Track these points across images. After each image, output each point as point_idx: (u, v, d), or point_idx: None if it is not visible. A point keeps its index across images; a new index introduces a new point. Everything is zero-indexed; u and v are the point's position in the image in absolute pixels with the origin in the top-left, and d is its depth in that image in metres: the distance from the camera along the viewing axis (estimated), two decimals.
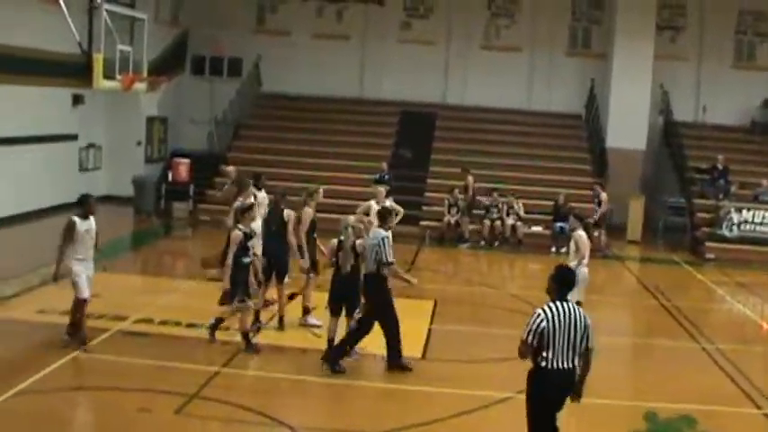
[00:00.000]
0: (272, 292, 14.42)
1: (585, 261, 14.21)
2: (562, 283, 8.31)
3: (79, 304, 12.41)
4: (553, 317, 8.08)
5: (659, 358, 14.72)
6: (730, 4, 31.28)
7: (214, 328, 13.12)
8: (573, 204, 24.25)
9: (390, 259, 12.21)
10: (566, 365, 8.11)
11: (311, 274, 14.22)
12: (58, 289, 12.86)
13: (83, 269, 12.30)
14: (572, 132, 30.64)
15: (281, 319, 14.21)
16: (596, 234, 21.89)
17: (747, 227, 25.24)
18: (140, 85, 21.75)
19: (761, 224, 25.19)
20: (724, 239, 25.18)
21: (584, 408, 11.17)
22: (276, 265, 14.03)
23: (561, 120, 30.99)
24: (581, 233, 14.31)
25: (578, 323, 8.14)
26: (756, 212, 25.31)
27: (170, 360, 12.27)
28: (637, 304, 19.57)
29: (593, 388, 11.93)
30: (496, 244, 24.84)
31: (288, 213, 14.27)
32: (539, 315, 8.11)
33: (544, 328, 8.05)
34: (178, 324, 14.14)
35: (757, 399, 12.25)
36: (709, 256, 24.65)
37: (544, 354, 8.08)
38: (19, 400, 10.36)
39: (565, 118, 31.05)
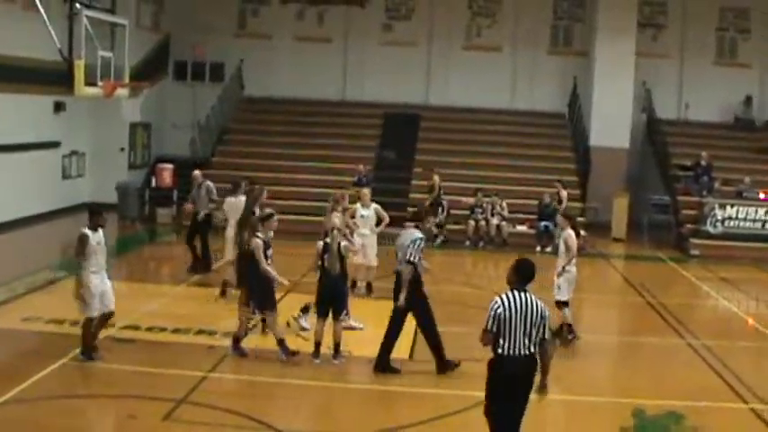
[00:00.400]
0: None
1: (574, 260, 14.24)
2: (522, 274, 8.48)
3: (86, 323, 12.17)
4: (509, 304, 8.28)
5: (645, 355, 14.77)
6: (711, 1, 31.35)
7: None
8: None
9: (411, 259, 12.34)
10: (522, 352, 8.27)
11: None
12: (45, 297, 12.79)
13: (99, 283, 12.09)
14: (555, 131, 30.66)
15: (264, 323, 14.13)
16: (583, 233, 21.90)
17: (731, 223, 25.33)
18: (122, 91, 21.59)
19: (744, 220, 25.30)
20: (708, 236, 25.25)
21: (572, 405, 11.25)
22: None
23: (544, 119, 31.01)
24: (570, 232, 14.31)
25: (534, 312, 8.30)
26: (740, 208, 25.40)
27: (157, 366, 12.26)
28: (622, 301, 19.63)
29: (580, 385, 12.00)
30: (481, 244, 24.87)
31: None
32: (496, 302, 8.33)
33: (501, 314, 8.24)
34: (164, 330, 14.12)
35: (744, 394, 12.29)
36: (694, 252, 24.74)
37: (501, 341, 8.27)
38: (5, 409, 10.29)
39: (548, 117, 31.08)
